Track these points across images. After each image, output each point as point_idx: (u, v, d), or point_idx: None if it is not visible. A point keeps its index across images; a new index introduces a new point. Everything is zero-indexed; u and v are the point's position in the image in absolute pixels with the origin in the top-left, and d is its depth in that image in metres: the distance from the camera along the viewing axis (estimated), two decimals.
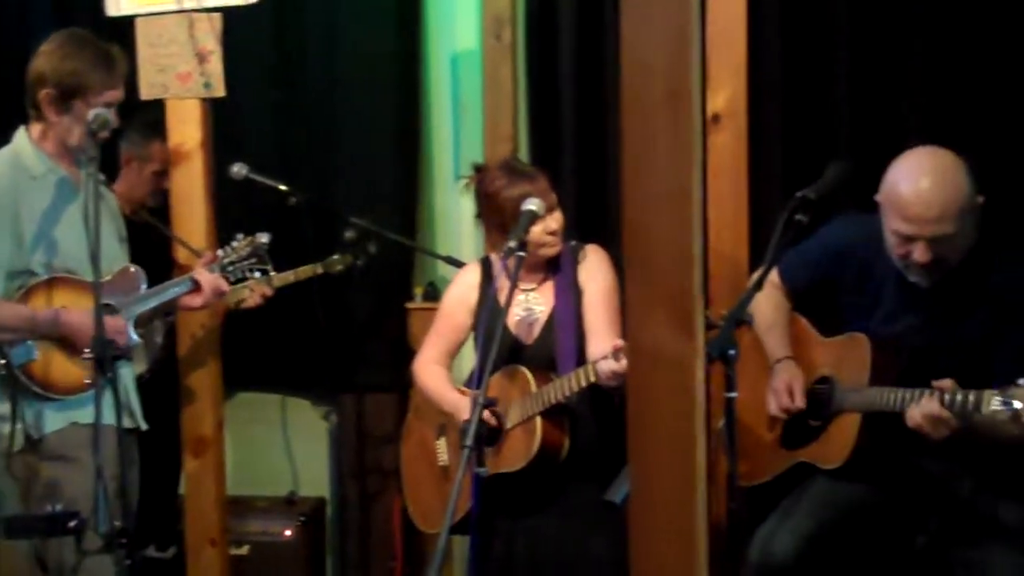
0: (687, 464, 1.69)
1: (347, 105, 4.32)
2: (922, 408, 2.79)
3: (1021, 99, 3.52)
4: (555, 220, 3.29)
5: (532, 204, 3.09)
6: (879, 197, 3.00)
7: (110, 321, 2.99)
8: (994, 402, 2.63)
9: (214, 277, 3.37)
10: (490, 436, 3.26)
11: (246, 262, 3.47)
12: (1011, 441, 2.79)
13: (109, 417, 2.87)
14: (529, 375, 3.24)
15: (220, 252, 3.46)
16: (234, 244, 3.46)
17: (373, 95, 4.30)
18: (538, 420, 3.20)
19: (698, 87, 1.67)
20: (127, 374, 3.27)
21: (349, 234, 3.97)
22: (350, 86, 4.31)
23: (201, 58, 3.56)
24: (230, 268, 3.43)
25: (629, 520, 1.72)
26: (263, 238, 3.48)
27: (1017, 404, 2.57)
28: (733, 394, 2.61)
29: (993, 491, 3.05)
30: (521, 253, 2.95)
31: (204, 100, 3.61)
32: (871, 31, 3.67)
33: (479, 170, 3.41)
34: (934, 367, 2.94)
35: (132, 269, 3.30)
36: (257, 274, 3.48)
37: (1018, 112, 3.52)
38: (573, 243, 3.42)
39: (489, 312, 3.23)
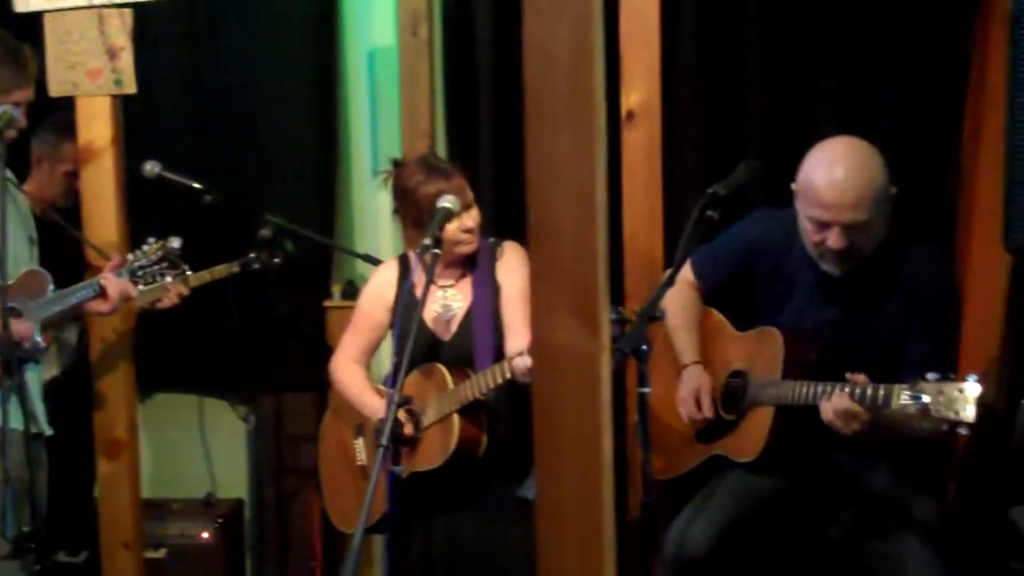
0: (593, 460, 1.69)
1: (263, 101, 4.27)
2: (833, 404, 2.82)
3: (930, 97, 3.57)
4: (472, 217, 3.28)
5: (447, 201, 3.08)
6: (795, 185, 3.03)
7: (15, 324, 2.93)
8: (903, 396, 2.66)
9: (121, 282, 3.28)
10: (410, 437, 3.24)
11: (156, 267, 3.37)
12: (921, 435, 2.83)
13: (15, 421, 2.80)
14: (446, 372, 3.23)
15: (130, 256, 3.36)
16: (144, 248, 3.38)
17: (290, 91, 4.26)
18: (455, 417, 3.18)
19: (602, 83, 1.66)
20: (32, 379, 3.19)
21: (265, 232, 3.92)
22: (266, 82, 4.26)
23: (112, 54, 3.50)
24: (139, 273, 3.35)
25: (536, 516, 1.71)
26: (175, 243, 3.40)
27: (925, 398, 2.60)
28: (646, 389, 2.63)
29: (904, 484, 3.09)
30: (436, 251, 2.94)
31: (115, 97, 3.54)
32: (783, 31, 3.70)
33: (397, 165, 3.39)
34: (846, 360, 2.98)
35: (39, 272, 3.22)
36: (168, 278, 3.40)
37: (928, 110, 3.57)
38: (491, 240, 3.41)
39: (405, 309, 3.22)
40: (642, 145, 3.63)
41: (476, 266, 3.37)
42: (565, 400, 1.70)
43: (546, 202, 1.67)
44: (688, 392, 3.23)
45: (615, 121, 3.61)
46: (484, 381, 3.14)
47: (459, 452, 3.19)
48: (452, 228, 3.21)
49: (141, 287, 3.34)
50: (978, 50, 3.47)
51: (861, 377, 2.80)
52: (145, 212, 3.82)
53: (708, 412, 3.20)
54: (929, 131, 3.58)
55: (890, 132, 3.57)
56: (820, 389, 2.88)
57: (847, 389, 2.79)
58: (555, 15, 1.66)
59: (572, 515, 1.71)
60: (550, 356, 1.69)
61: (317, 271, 4.30)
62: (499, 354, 3.23)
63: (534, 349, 1.71)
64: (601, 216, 1.68)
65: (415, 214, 3.26)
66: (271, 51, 4.24)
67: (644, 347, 2.62)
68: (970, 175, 3.46)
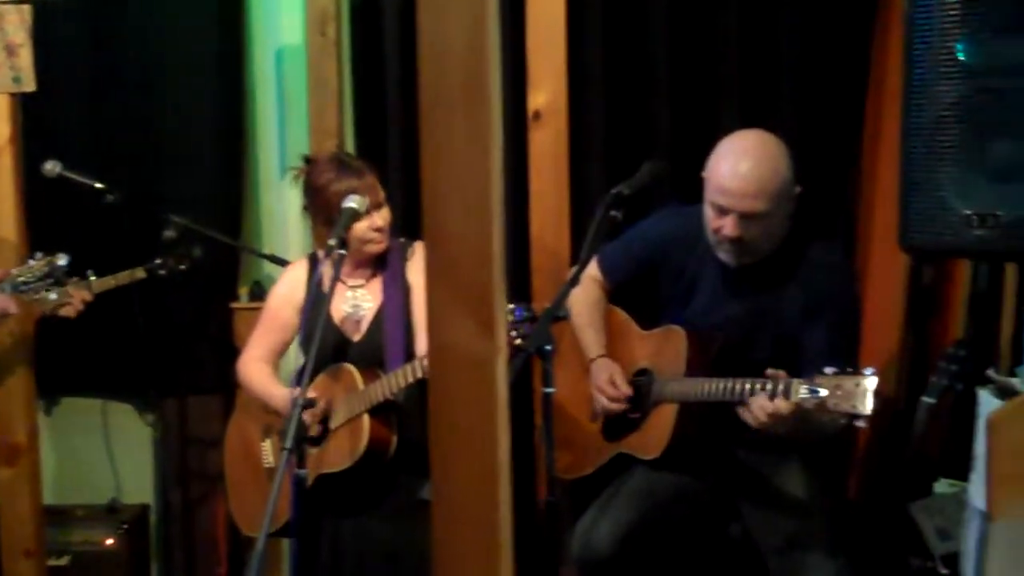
0: (489, 461, 1.67)
1: (168, 100, 4.17)
2: (761, 404, 2.78)
3: (833, 98, 3.61)
4: (381, 217, 3.25)
5: (353, 201, 3.05)
6: (704, 173, 3.05)
7: None
8: (801, 390, 2.68)
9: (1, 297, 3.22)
10: (315, 436, 3.21)
11: (41, 283, 3.27)
12: (821, 429, 2.86)
13: None
14: (356, 373, 3.20)
15: (14, 270, 3.25)
16: (31, 262, 3.26)
17: (195, 90, 4.17)
18: (365, 418, 3.15)
19: (498, 80, 1.64)
20: None
21: (169, 233, 3.83)
22: (171, 80, 4.17)
23: (10, 51, 3.41)
24: (23, 288, 3.26)
25: (432, 518, 1.69)
26: (61, 260, 3.28)
27: (823, 392, 2.62)
28: (550, 389, 2.63)
29: (805, 480, 3.12)
30: (342, 251, 2.91)
31: (14, 95, 3.46)
32: (690, 30, 3.72)
33: (308, 162, 3.35)
34: (749, 356, 3.01)
35: None
36: (53, 295, 3.31)
37: (830, 111, 3.61)
38: (402, 240, 3.39)
39: (312, 309, 3.18)
40: (549, 145, 3.64)
41: (387, 266, 3.35)
42: (461, 402, 1.68)
43: (441, 202, 1.64)
44: (602, 380, 3.23)
45: (522, 121, 3.60)
46: (395, 381, 3.11)
47: (369, 453, 3.15)
48: (362, 227, 3.18)
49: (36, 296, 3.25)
50: (878, 51, 3.52)
51: (781, 373, 2.80)
52: (45, 212, 3.72)
53: (626, 389, 3.20)
54: (831, 132, 3.62)
55: (794, 132, 3.58)
56: (722, 385, 2.90)
57: (748, 385, 2.81)
58: (449, 11, 1.64)
59: (468, 517, 1.69)
60: (446, 358, 1.67)
61: (224, 272, 4.23)
62: (410, 354, 3.20)
63: (430, 351, 1.69)
64: (497, 216, 1.66)
65: (325, 212, 3.22)
66: (176, 48, 4.15)
67: (548, 346, 2.61)
68: (871, 175, 3.51)
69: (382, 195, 3.26)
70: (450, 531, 1.69)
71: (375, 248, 3.27)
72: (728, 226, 2.95)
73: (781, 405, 2.73)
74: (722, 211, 2.96)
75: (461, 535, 1.70)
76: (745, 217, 2.93)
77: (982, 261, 3.24)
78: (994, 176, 2.34)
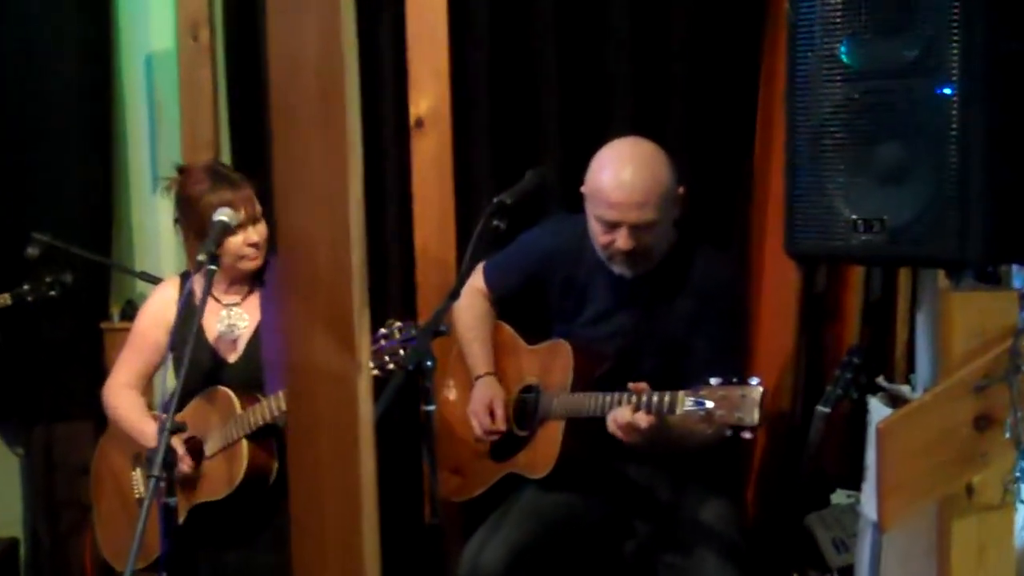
0: (352, 485, 1.63)
1: (32, 109, 4.08)
2: (615, 416, 2.83)
3: (724, 100, 3.64)
4: (257, 232, 3.20)
5: (223, 215, 3.00)
6: (584, 188, 3.05)
7: None
8: (687, 403, 2.68)
9: None
10: (187, 464, 3.15)
11: None
12: (709, 441, 2.86)
13: None
14: (233, 396, 3.15)
15: None
16: None
17: (61, 98, 4.09)
18: (244, 444, 3.10)
19: (355, 83, 1.61)
20: None
21: (32, 251, 3.74)
22: (34, 88, 4.08)
23: None
24: None
25: (292, 546, 1.65)
26: None
27: (709, 403, 2.63)
28: (431, 407, 2.59)
29: (698, 494, 3.13)
30: (212, 267, 2.86)
31: None
32: (579, 30, 3.71)
33: (181, 172, 3.29)
34: (638, 368, 3.01)
35: None
36: None
37: (721, 112, 3.64)
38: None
39: (183, 329, 3.10)
40: (432, 152, 3.63)
41: (264, 283, 3.29)
42: (321, 423, 1.65)
43: (296, 213, 1.62)
44: (480, 404, 3.22)
45: (406, 128, 3.57)
46: (276, 404, 3.06)
47: (248, 480, 3.11)
48: (236, 242, 3.13)
49: None
50: (768, 50, 3.55)
51: (642, 386, 2.82)
52: None
53: (501, 424, 3.18)
54: (723, 134, 3.63)
55: (685, 134, 3.61)
56: (608, 399, 2.90)
57: (633, 399, 2.81)
58: (300, 10, 1.61)
59: (330, 543, 1.66)
60: (304, 377, 1.64)
61: (94, 292, 4.15)
62: None
63: (287, 370, 1.66)
64: (356, 227, 1.63)
65: (197, 225, 3.16)
66: (40, 53, 4.07)
67: (429, 363, 2.58)
68: (763, 178, 3.53)
69: (259, 209, 3.21)
70: (311, 560, 1.66)
71: (250, 265, 3.22)
72: (621, 240, 2.95)
73: (639, 418, 2.75)
74: (612, 225, 2.96)
75: (323, 563, 1.66)
76: (636, 228, 2.93)
77: (869, 266, 3.29)
78: (880, 180, 2.35)
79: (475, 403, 3.23)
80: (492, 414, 3.20)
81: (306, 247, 1.63)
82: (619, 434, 2.83)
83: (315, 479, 1.66)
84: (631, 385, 2.82)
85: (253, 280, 3.31)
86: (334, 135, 1.61)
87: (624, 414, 2.80)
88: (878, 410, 2.63)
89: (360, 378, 1.63)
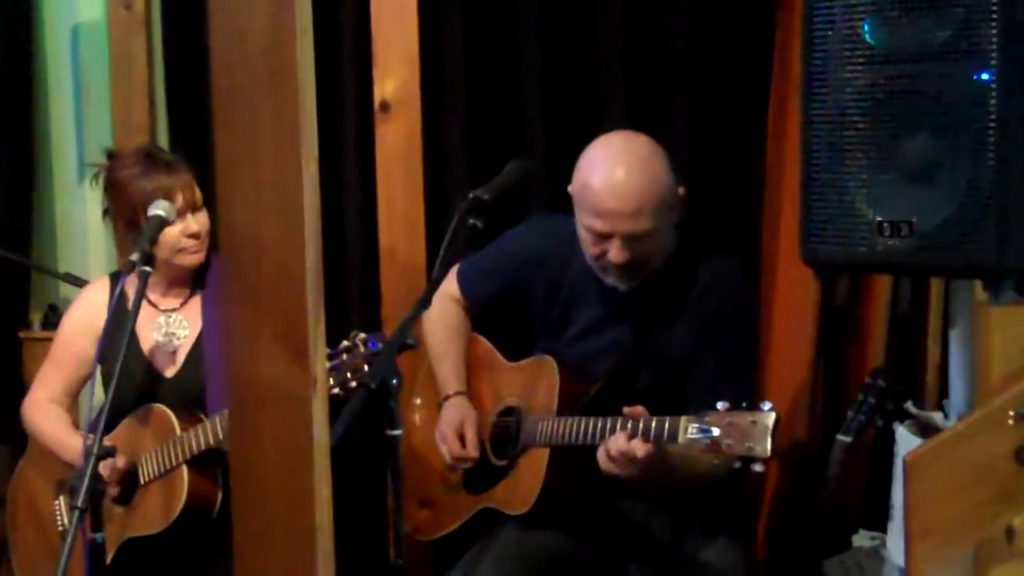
0: (303, 519, 1.64)
1: None
2: (609, 446, 2.82)
3: (732, 91, 3.65)
4: (197, 221, 3.20)
5: (160, 208, 3.00)
6: (571, 188, 3.05)
7: None
8: (691, 430, 2.68)
9: None
10: (122, 493, 3.16)
11: None
12: (710, 475, 2.88)
13: None
14: (171, 416, 3.15)
15: None
16: None
17: None
18: (184, 470, 3.10)
19: (308, 58, 1.62)
20: None
21: None
22: None
23: None
24: None
25: None
26: None
27: (715, 431, 2.63)
28: (397, 432, 2.58)
29: (701, 534, 3.13)
30: (146, 268, 2.86)
31: None
32: (566, 6, 3.73)
33: (111, 157, 3.30)
34: (634, 389, 3.01)
35: None
36: None
37: (729, 104, 3.65)
38: None
39: (113, 339, 3.09)
40: (400, 141, 3.64)
41: (206, 285, 3.30)
42: (269, 449, 1.65)
43: (241, 206, 1.62)
44: (448, 426, 3.21)
45: (367, 113, 3.58)
46: (220, 424, 3.06)
47: (188, 512, 3.10)
48: (173, 233, 3.14)
49: None
50: (782, 32, 3.57)
51: (639, 410, 2.81)
52: None
53: (473, 449, 3.19)
54: (731, 127, 3.66)
55: (688, 128, 3.63)
56: (601, 425, 2.90)
57: (629, 426, 2.81)
58: None
59: None
60: (249, 395, 1.64)
61: (11, 296, 4.17)
62: None
63: (229, 385, 1.66)
64: (311, 223, 1.63)
65: (128, 216, 3.18)
66: None
67: (395, 380, 2.57)
68: (775, 175, 3.55)
69: (199, 196, 3.21)
70: None
71: (190, 259, 3.22)
72: (614, 252, 2.95)
73: (636, 446, 2.75)
74: (602, 236, 2.96)
75: None
76: (630, 238, 2.94)
77: (895, 276, 3.30)
78: (908, 177, 2.37)
79: (443, 425, 3.23)
80: (462, 438, 3.19)
81: (253, 246, 1.64)
82: (612, 468, 2.82)
83: (261, 513, 1.67)
84: (626, 409, 2.82)
85: (195, 282, 3.31)
86: (285, 118, 1.61)
87: (619, 442, 2.79)
88: (906, 440, 2.64)
89: (315, 397, 1.64)
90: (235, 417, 1.66)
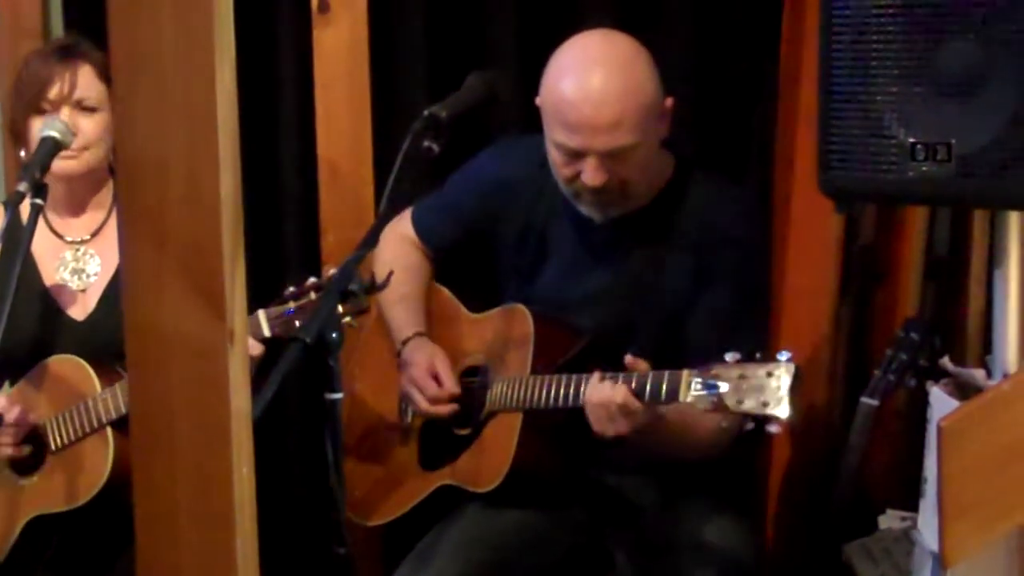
0: (218, 498, 1.62)
1: None
2: (600, 396, 2.80)
3: None
4: (93, 122, 3.17)
5: (53, 129, 2.99)
6: (539, 100, 3.04)
7: None
8: (694, 385, 2.67)
9: None
10: (27, 462, 3.17)
11: None
12: (716, 440, 2.89)
13: None
14: (88, 369, 3.15)
15: None
16: None
17: None
18: (108, 433, 3.09)
19: None
20: None
21: None
22: None
23: None
24: None
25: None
26: None
27: (722, 386, 2.62)
28: (337, 395, 2.56)
29: (692, 508, 3.16)
30: (38, 200, 2.88)
31: None
32: None
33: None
34: (621, 344, 3.00)
35: None
36: None
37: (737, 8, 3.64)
38: None
39: (4, 275, 3.07)
40: (341, 46, 3.64)
41: None
42: (177, 414, 1.63)
43: (140, 120, 1.58)
44: (418, 368, 3.21)
45: (304, 11, 3.59)
46: None
47: (113, 483, 3.09)
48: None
49: None
50: None
51: (642, 364, 2.80)
52: None
53: (452, 385, 3.18)
54: (739, 33, 3.63)
55: (687, 31, 3.62)
56: (583, 385, 2.89)
57: (633, 379, 2.78)
58: None
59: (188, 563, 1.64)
60: (151, 349, 1.62)
61: None
62: None
63: (127, 337, 1.63)
64: (227, 141, 1.60)
65: (15, 118, 3.19)
66: None
67: (334, 335, 2.56)
68: (789, 88, 3.53)
69: (97, 92, 3.17)
70: None
71: (62, 164, 3.12)
72: (588, 173, 2.94)
73: (616, 393, 2.75)
74: (575, 154, 2.94)
75: None
76: (607, 156, 2.92)
77: (932, 208, 3.30)
78: (947, 92, 2.36)
79: (411, 370, 3.22)
80: (436, 377, 3.18)
81: (155, 168, 1.60)
82: (602, 424, 2.81)
83: (168, 492, 1.64)
84: (628, 360, 2.80)
85: (111, 207, 3.29)
86: (197, 9, 1.57)
87: (617, 392, 2.77)
88: (942, 403, 2.64)
89: (232, 353, 1.61)
90: (135, 377, 1.64)
